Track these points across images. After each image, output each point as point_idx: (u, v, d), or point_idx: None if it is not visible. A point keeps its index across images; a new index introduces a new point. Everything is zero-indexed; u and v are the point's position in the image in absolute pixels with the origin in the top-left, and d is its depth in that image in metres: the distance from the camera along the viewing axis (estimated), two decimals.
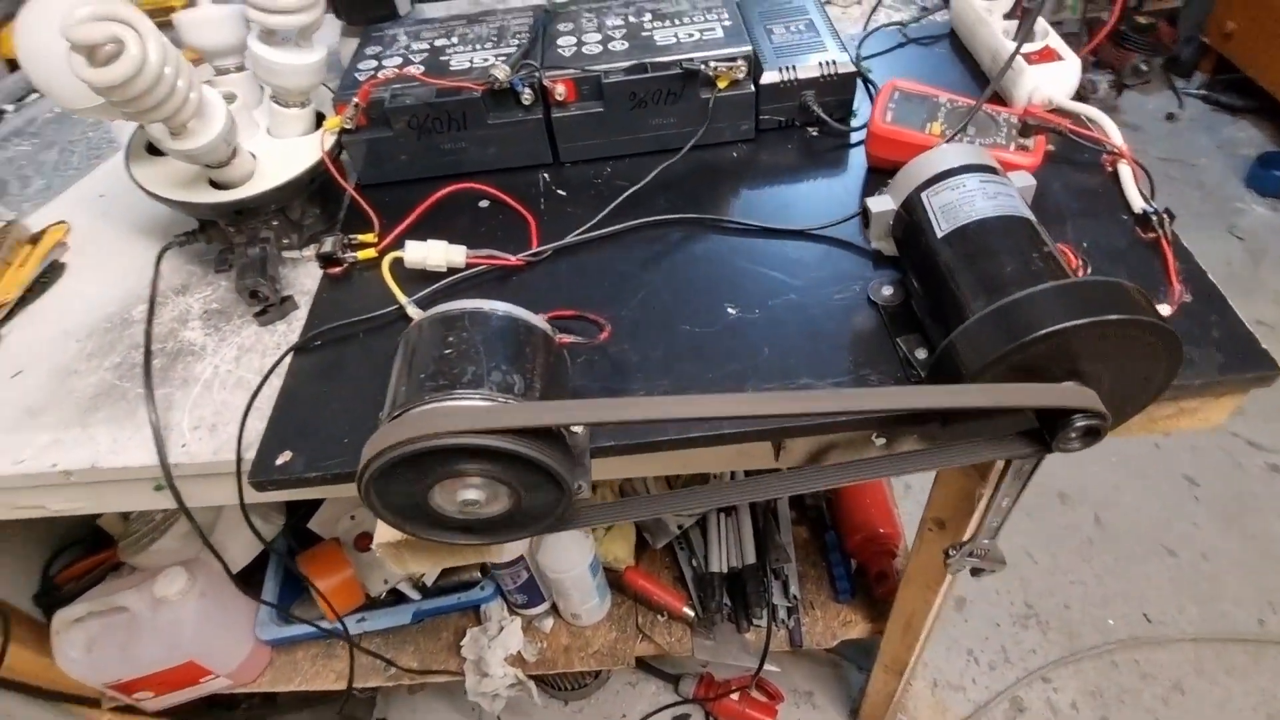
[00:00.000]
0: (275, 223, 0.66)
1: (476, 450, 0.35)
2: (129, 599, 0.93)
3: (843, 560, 1.08)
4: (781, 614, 1.05)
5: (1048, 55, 0.64)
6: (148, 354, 0.60)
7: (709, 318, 0.54)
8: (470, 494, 0.38)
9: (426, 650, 1.10)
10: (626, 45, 0.66)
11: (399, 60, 0.68)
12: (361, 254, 0.61)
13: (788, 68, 0.65)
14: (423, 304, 0.56)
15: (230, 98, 0.64)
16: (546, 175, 0.68)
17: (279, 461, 0.49)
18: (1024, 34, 0.59)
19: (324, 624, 1.02)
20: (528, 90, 0.63)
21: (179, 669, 0.98)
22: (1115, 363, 0.38)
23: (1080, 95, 0.64)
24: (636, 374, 0.51)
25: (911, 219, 0.48)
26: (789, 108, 0.67)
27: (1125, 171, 0.57)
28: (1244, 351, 0.47)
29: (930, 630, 0.99)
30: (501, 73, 0.62)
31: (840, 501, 1.12)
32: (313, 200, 0.68)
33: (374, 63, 0.68)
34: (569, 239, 0.60)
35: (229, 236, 0.66)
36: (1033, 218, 0.44)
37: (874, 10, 0.85)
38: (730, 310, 0.54)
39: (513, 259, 0.58)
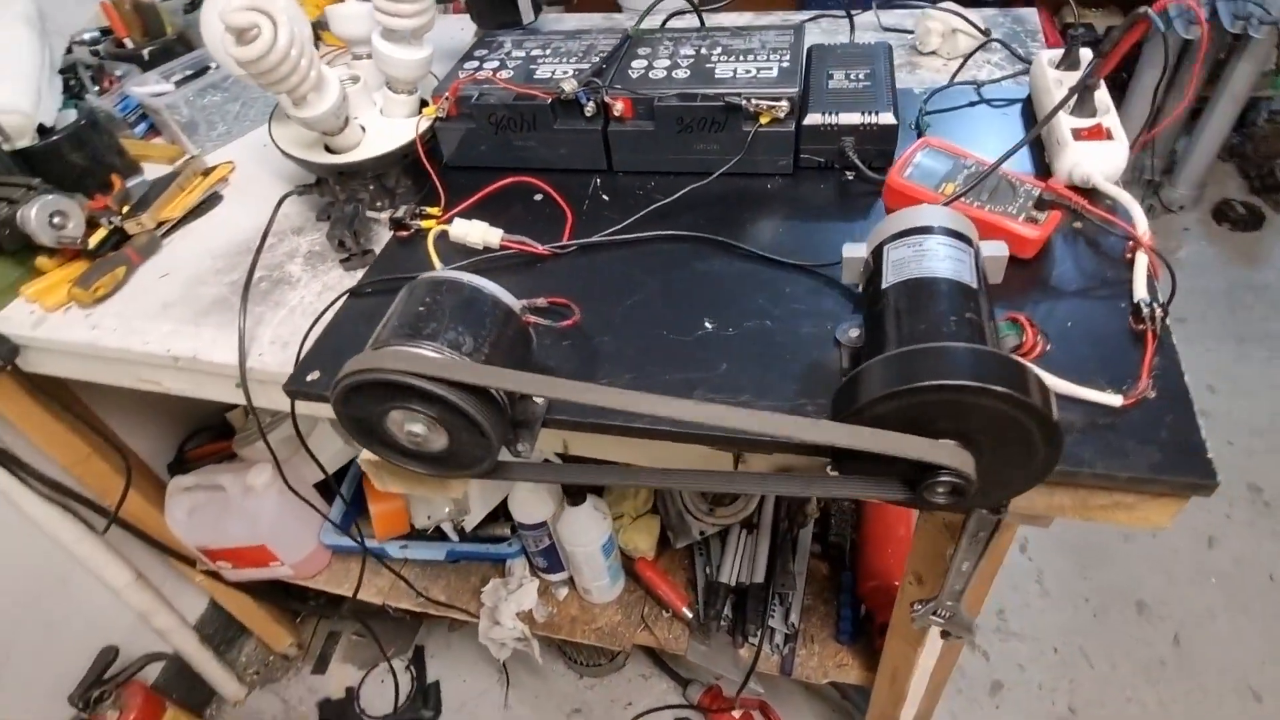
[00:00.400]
0: (371, 187, 0.78)
1: (414, 389, 0.43)
2: (227, 480, 1.12)
3: (852, 603, 1.08)
4: (777, 639, 1.06)
5: (1097, 133, 0.63)
6: (249, 277, 0.74)
7: (686, 327, 0.59)
8: (414, 426, 0.46)
9: (455, 589, 1.22)
10: (688, 74, 0.72)
11: (496, 64, 0.78)
12: (425, 223, 0.72)
13: (831, 113, 0.69)
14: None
15: (355, 79, 0.77)
16: (599, 180, 0.76)
17: (309, 378, 0.60)
18: (1060, 106, 0.60)
19: (371, 542, 1.16)
20: (590, 104, 0.71)
21: (253, 550, 1.16)
22: (996, 437, 0.40)
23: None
24: (605, 362, 0.57)
25: (874, 267, 0.51)
26: (829, 150, 0.71)
27: (1141, 261, 0.56)
28: (1185, 457, 0.46)
29: (924, 695, 0.97)
30: (569, 85, 0.71)
31: (864, 545, 1.12)
32: (407, 173, 0.80)
33: (476, 63, 0.79)
34: (593, 238, 0.68)
35: (335, 193, 0.79)
36: (974, 285, 0.46)
37: (961, 66, 0.86)
38: (707, 324, 0.59)
39: (540, 248, 0.67)
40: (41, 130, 0.87)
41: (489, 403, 0.45)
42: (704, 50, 0.76)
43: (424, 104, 0.79)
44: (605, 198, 0.74)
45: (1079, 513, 0.50)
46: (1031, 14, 1.01)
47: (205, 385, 0.76)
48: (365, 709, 1.50)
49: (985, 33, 0.94)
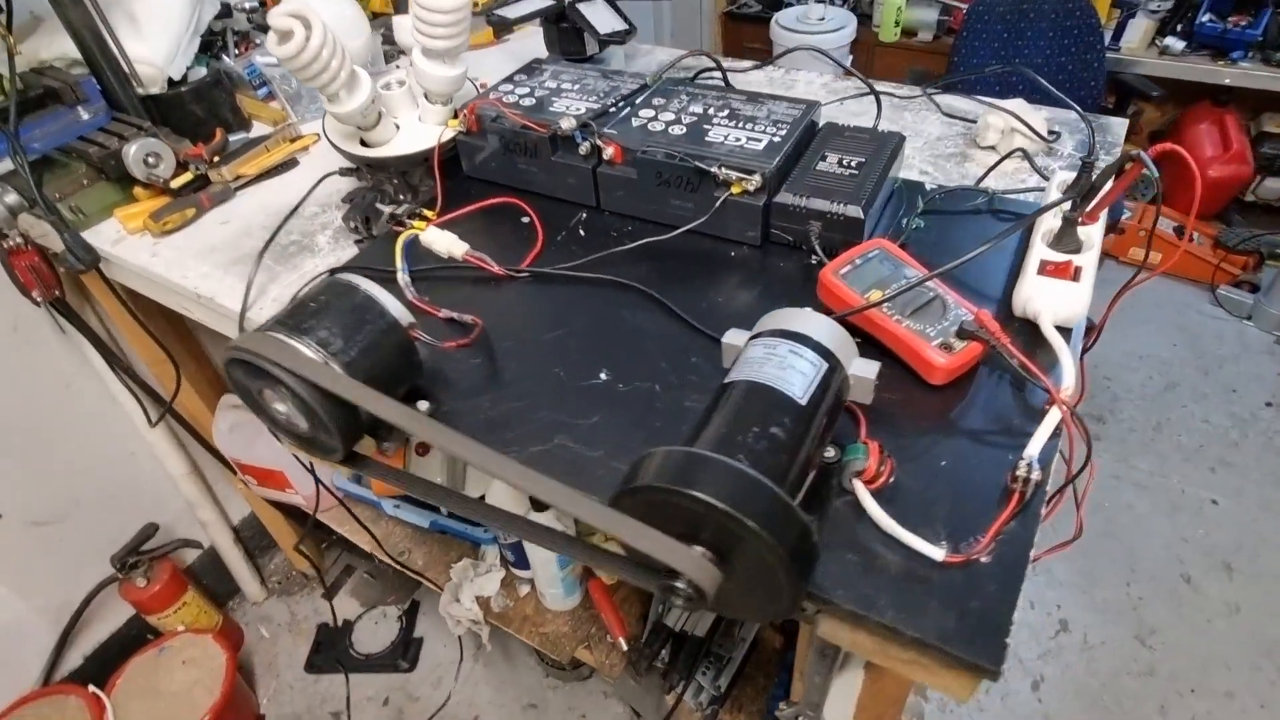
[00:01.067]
0: (395, 182, 0.86)
1: (273, 376, 0.49)
2: None
3: (787, 682, 1.05)
4: (702, 697, 1.05)
5: (1062, 271, 0.59)
6: (269, 239, 0.84)
7: (584, 372, 0.62)
8: (279, 405, 0.52)
9: (433, 558, 1.30)
10: (684, 131, 0.74)
11: (525, 91, 0.83)
12: (417, 224, 0.79)
13: (803, 195, 0.68)
14: (415, 275, 0.72)
15: (402, 83, 0.85)
16: (585, 215, 0.80)
17: None
18: (1012, 230, 0.56)
19: (370, 494, 1.26)
20: (586, 144, 0.75)
21: (273, 473, 1.29)
22: (744, 560, 0.40)
23: None
24: (496, 385, 0.61)
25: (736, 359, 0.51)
26: (798, 231, 0.70)
27: (1050, 420, 0.52)
28: (981, 634, 0.43)
29: None
30: (566, 124, 0.75)
31: None
32: (431, 175, 0.87)
33: (510, 86, 0.85)
34: (547, 269, 0.71)
35: (366, 181, 0.88)
36: (803, 402, 0.46)
37: (989, 171, 0.81)
38: (603, 375, 0.61)
39: (496, 269, 0.71)
40: (171, 82, 1.03)
41: (339, 403, 0.50)
42: (711, 111, 0.77)
43: (456, 115, 0.86)
44: (583, 233, 0.78)
45: (882, 659, 0.48)
46: (1118, 124, 0.93)
47: (220, 323, 0.87)
48: (354, 643, 1.62)
49: (1047, 137, 0.88)
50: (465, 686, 1.51)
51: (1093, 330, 0.70)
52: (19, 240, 1.00)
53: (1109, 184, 0.59)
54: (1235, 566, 1.60)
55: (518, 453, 0.56)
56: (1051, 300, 0.58)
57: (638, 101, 0.80)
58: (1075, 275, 0.59)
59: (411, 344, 0.55)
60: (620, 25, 1.00)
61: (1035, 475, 0.49)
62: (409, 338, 0.55)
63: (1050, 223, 0.63)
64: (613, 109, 0.78)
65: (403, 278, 0.70)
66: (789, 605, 0.41)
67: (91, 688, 1.34)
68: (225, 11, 1.19)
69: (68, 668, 1.43)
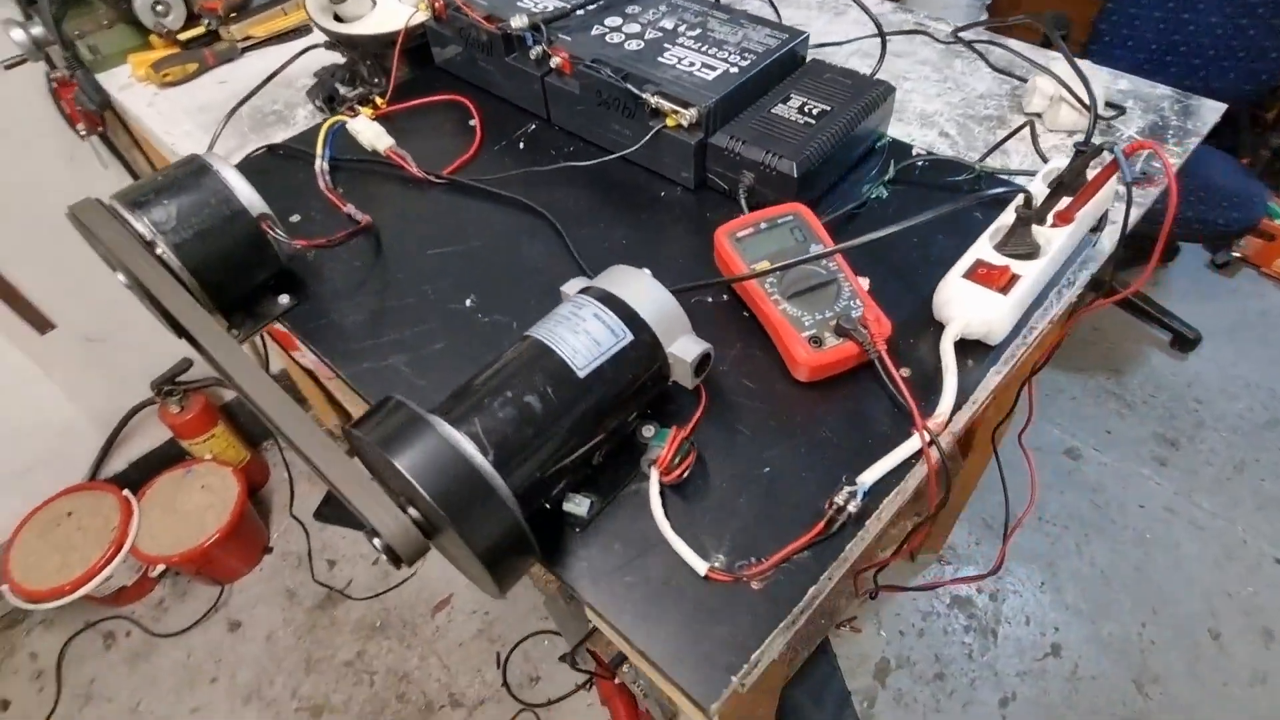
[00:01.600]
0: (369, 63, 0.83)
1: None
2: None
3: None
4: None
5: (994, 278, 0.49)
6: (237, 106, 0.84)
7: (451, 294, 0.58)
8: (121, 276, 0.52)
9: None
10: (639, 48, 0.66)
11: None
12: (365, 110, 0.76)
13: (740, 140, 0.60)
14: (338, 164, 0.70)
15: None
16: (534, 127, 0.74)
17: None
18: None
19: None
20: (536, 48, 0.69)
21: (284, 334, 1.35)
22: (452, 541, 0.37)
23: None
24: (358, 288, 0.59)
25: None
26: (731, 179, 0.62)
27: (905, 448, 0.45)
28: (709, 666, 0.38)
29: None
30: (517, 23, 0.68)
31: None
32: (404, 60, 0.83)
33: None
34: (465, 179, 0.67)
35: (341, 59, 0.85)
36: (580, 374, 0.41)
37: (998, 145, 0.69)
38: (468, 301, 0.58)
39: (415, 170, 0.68)
40: None
41: (178, 287, 0.49)
42: (681, 29, 0.68)
43: None
44: (522, 146, 0.72)
45: (631, 655, 0.44)
46: (1210, 109, 0.77)
47: None
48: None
49: (1105, 112, 0.73)
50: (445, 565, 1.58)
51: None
52: (66, 73, 1.05)
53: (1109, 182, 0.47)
54: (1277, 635, 1.43)
55: (349, 365, 0.54)
56: (967, 309, 0.49)
57: (606, 6, 0.72)
58: (1007, 285, 0.49)
59: (262, 235, 0.53)
60: None
61: (853, 506, 0.42)
62: (260, 229, 0.53)
63: (1006, 218, 0.53)
64: (578, 11, 0.71)
65: (320, 164, 0.68)
66: (496, 590, 0.38)
67: (126, 492, 1.51)
68: None
69: (111, 470, 1.61)
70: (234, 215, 0.52)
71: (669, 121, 0.61)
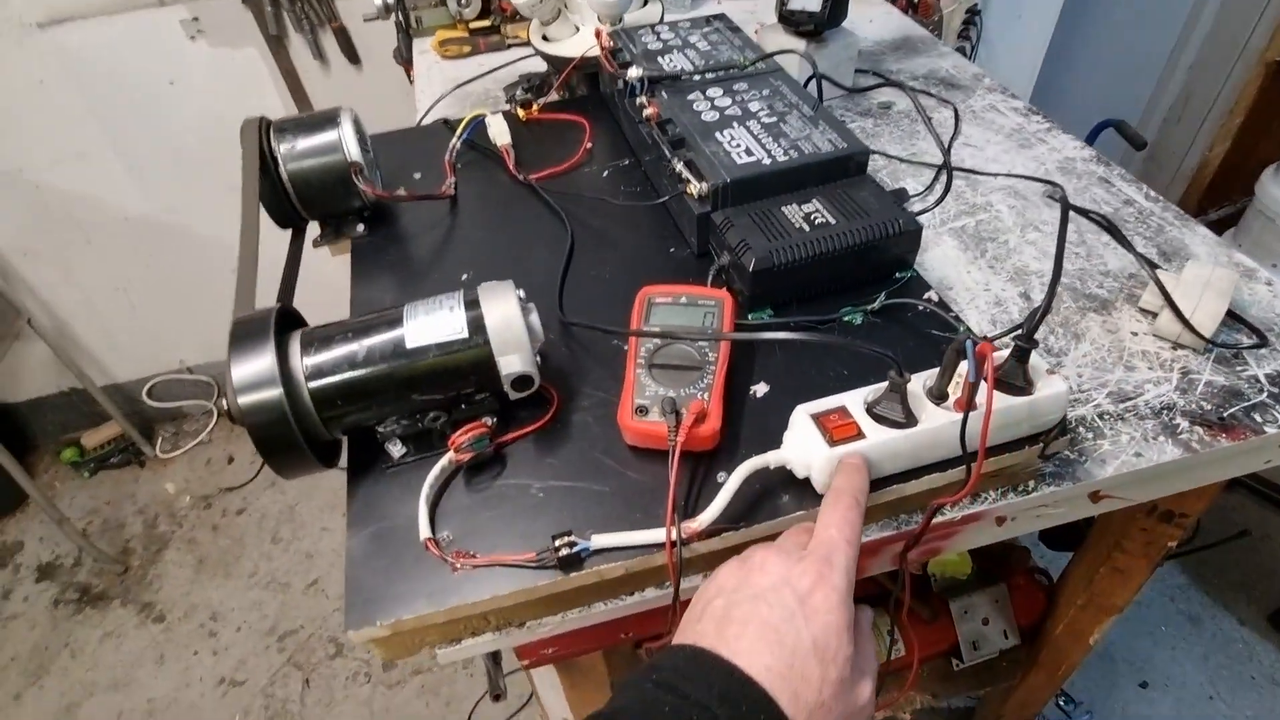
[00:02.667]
0: (555, 78, 0.99)
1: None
2: None
3: None
4: None
5: (836, 428, 0.47)
6: (458, 86, 1.05)
7: (463, 266, 0.71)
8: None
9: None
10: (711, 119, 0.72)
11: (670, 36, 0.87)
12: (521, 110, 0.91)
13: (730, 224, 0.63)
14: (469, 144, 0.86)
15: None
16: (626, 162, 0.83)
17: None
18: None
19: None
20: (641, 98, 0.78)
21: None
22: None
23: None
24: (416, 239, 0.76)
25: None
26: (715, 256, 0.65)
27: (650, 534, 0.47)
28: None
29: None
30: (633, 74, 0.78)
31: None
32: (580, 80, 0.98)
33: (663, 29, 0.89)
34: (540, 184, 0.79)
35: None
36: (405, 344, 0.50)
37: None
38: (464, 276, 0.70)
39: (510, 167, 0.82)
40: None
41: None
42: (761, 113, 0.72)
43: None
44: (606, 175, 0.82)
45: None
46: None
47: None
48: None
49: (1195, 327, 0.61)
50: None
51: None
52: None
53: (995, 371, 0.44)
54: None
55: (359, 289, 0.70)
56: (791, 443, 0.48)
57: (722, 80, 0.78)
58: (842, 441, 0.47)
59: (348, 174, 0.71)
60: None
61: (564, 552, 0.46)
62: (348, 170, 0.71)
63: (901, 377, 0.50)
64: (695, 77, 0.78)
65: (454, 142, 0.85)
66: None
67: None
68: None
69: None
70: (329, 149, 0.70)
71: (689, 189, 0.66)
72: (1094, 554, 0.88)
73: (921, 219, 0.76)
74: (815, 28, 0.93)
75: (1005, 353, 0.50)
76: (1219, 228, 2.25)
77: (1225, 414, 0.59)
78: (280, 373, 0.47)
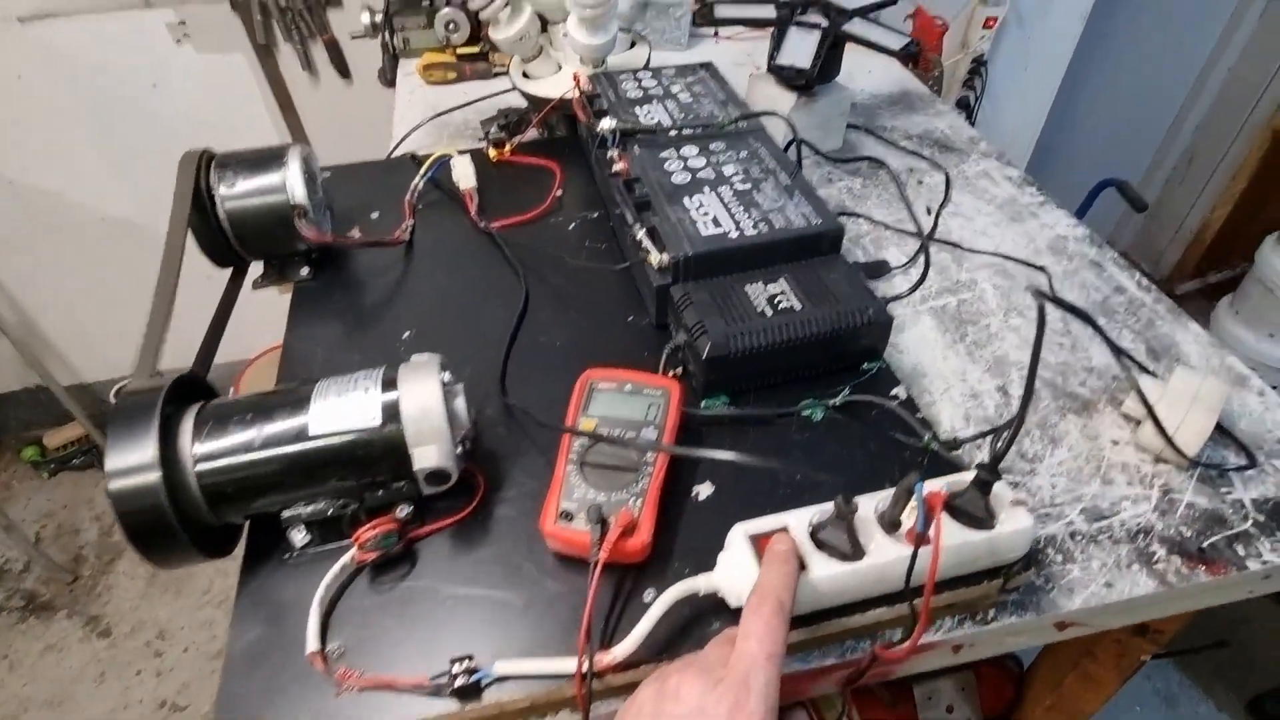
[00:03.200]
0: (533, 116, 0.95)
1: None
2: None
3: None
4: None
5: (771, 552, 0.43)
6: (435, 115, 1.01)
7: (405, 322, 0.67)
8: None
9: None
10: (681, 181, 0.68)
11: (652, 84, 0.83)
12: (494, 150, 0.87)
13: (689, 301, 0.59)
14: (435, 183, 0.82)
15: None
16: (595, 215, 0.79)
17: None
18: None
19: None
20: (612, 151, 0.74)
21: None
22: None
23: None
24: (362, 286, 0.71)
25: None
26: (672, 332, 0.61)
27: (560, 664, 0.42)
28: None
29: None
30: (605, 125, 0.74)
31: None
32: (559, 120, 0.94)
33: (645, 74, 0.85)
34: (505, 236, 0.75)
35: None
36: (309, 430, 0.45)
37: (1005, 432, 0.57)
38: (406, 334, 0.66)
39: (472, 213, 0.77)
40: None
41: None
42: (735, 177, 0.68)
43: None
44: (571, 227, 0.78)
45: None
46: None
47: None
48: None
49: (1179, 447, 0.57)
50: None
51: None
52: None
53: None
54: None
55: (292, 335, 0.65)
56: (725, 571, 0.44)
57: (700, 137, 0.74)
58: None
59: (288, 217, 0.66)
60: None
61: (460, 680, 0.41)
62: (291, 217, 0.66)
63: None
64: (672, 133, 0.74)
65: (416, 181, 0.80)
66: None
67: None
68: None
69: None
70: (273, 190, 0.66)
71: (649, 259, 0.62)
72: (1063, 656, 0.84)
73: (897, 303, 0.73)
74: (805, 83, 0.89)
75: (967, 478, 0.46)
76: (1218, 291, 2.22)
77: (1206, 543, 0.55)
78: (162, 457, 0.43)
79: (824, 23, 0.88)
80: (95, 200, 1.71)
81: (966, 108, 1.92)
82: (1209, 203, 2.37)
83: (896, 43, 0.85)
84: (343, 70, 1.59)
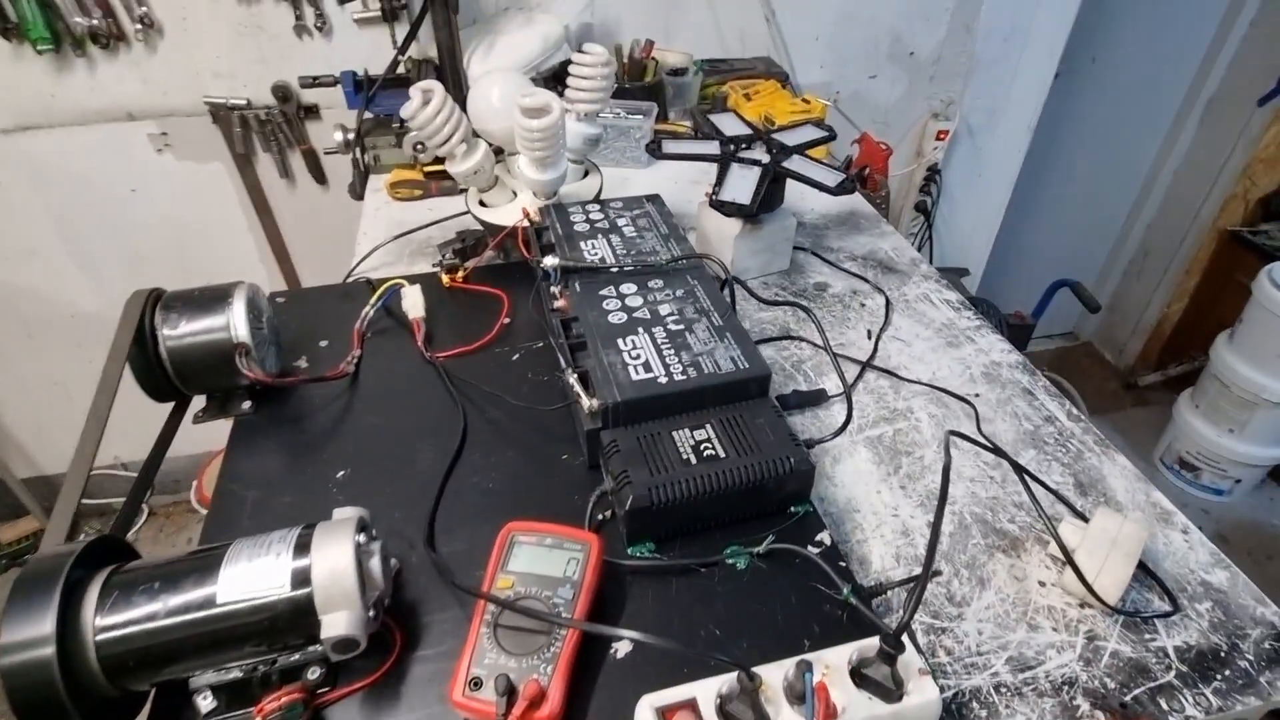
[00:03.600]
0: (489, 240, 0.98)
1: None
2: None
3: None
4: None
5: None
6: (399, 235, 1.05)
7: (336, 463, 0.67)
8: None
9: None
10: (617, 322, 0.70)
11: (599, 218, 0.86)
12: (445, 275, 0.90)
13: (616, 448, 0.60)
14: (387, 309, 0.84)
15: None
16: (539, 345, 0.81)
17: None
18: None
19: None
20: (554, 287, 0.76)
21: None
22: None
23: None
24: (299, 421, 0.71)
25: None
26: (600, 475, 0.62)
27: None
28: None
29: None
30: (549, 262, 0.77)
31: None
32: (516, 246, 0.98)
33: (593, 209, 0.89)
34: (445, 364, 0.76)
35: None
36: (216, 598, 0.45)
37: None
38: (340, 474, 0.66)
39: (419, 343, 0.79)
40: None
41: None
42: (669, 318, 0.70)
43: None
44: (516, 358, 0.80)
45: None
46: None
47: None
48: None
49: (1099, 594, 0.58)
50: None
51: None
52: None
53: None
54: None
55: (225, 477, 0.65)
56: None
57: (641, 273, 0.77)
58: None
59: (230, 355, 0.68)
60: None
61: None
62: (230, 349, 0.67)
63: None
64: (613, 270, 0.77)
65: (366, 310, 0.82)
66: None
67: None
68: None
69: None
70: (217, 329, 0.67)
71: (581, 402, 0.63)
72: None
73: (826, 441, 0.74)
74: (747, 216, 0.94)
75: (874, 644, 0.46)
76: (1178, 384, 2.27)
77: (1129, 697, 0.55)
78: (59, 632, 0.42)
79: (764, 159, 0.93)
80: (65, 297, 1.72)
81: (924, 211, 2.01)
82: (1164, 298, 2.46)
83: (833, 179, 0.90)
84: (319, 177, 1.65)
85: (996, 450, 0.68)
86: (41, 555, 0.46)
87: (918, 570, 0.63)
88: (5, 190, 1.54)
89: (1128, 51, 2.13)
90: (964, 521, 0.68)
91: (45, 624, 0.42)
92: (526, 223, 0.87)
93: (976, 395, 0.82)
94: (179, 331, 0.67)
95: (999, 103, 1.95)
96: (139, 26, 1.39)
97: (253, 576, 0.46)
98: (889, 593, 0.60)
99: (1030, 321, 1.70)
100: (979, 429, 0.77)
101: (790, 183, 0.94)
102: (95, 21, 1.36)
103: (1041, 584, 0.63)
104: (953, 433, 0.71)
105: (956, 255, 2.14)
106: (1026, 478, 0.64)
